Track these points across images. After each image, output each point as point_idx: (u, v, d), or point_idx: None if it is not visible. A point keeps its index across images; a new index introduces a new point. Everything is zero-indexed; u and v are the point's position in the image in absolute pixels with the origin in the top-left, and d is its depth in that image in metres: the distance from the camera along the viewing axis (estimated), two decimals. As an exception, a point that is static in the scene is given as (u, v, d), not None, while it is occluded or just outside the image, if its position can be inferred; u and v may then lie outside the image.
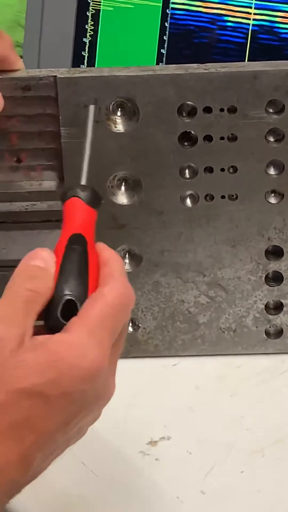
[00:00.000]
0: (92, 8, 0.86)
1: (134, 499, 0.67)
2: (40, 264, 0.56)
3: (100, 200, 0.59)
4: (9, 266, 0.73)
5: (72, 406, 0.54)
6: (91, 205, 0.58)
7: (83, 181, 0.60)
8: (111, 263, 0.57)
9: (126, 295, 0.56)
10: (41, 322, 0.55)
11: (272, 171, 0.72)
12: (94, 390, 0.54)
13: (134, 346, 0.76)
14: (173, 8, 0.84)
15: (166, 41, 0.85)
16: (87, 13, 0.86)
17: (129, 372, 0.74)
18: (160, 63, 0.85)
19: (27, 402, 0.52)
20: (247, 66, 0.69)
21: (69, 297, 0.55)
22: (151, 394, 0.74)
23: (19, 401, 0.52)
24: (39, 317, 0.55)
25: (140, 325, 0.76)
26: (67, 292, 0.55)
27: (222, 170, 0.71)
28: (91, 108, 0.67)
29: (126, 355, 0.74)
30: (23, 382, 0.52)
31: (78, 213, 0.58)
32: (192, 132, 0.70)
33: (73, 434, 0.56)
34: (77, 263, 0.56)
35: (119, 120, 0.70)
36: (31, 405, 0.52)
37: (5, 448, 0.52)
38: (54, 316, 0.54)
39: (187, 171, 0.72)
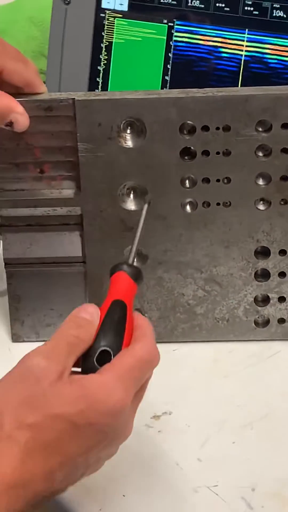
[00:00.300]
0: (105, 41, 0.85)
1: (140, 465, 0.67)
2: (87, 317, 0.58)
3: (142, 278, 0.62)
4: (33, 263, 0.75)
5: (95, 436, 0.55)
6: (134, 280, 0.61)
7: (131, 261, 0.63)
8: (145, 327, 0.59)
9: (153, 354, 0.58)
10: (79, 369, 0.57)
11: (261, 182, 0.72)
12: (115, 426, 0.55)
13: None
14: (176, 41, 0.84)
15: (170, 69, 0.84)
16: (102, 44, 0.85)
17: None
18: (164, 88, 0.84)
19: (58, 426, 0.53)
20: (240, 90, 0.69)
21: (105, 348, 0.57)
22: (155, 375, 0.71)
23: (52, 424, 0.53)
24: (77, 363, 0.57)
25: (145, 315, 0.75)
26: (104, 343, 0.57)
27: (218, 180, 0.72)
28: (145, 206, 0.68)
29: (133, 341, 0.75)
30: (58, 409, 0.53)
31: (123, 284, 0.61)
32: (192, 147, 0.70)
33: (92, 462, 0.56)
34: (116, 322, 0.58)
35: (128, 137, 0.70)
36: (61, 429, 0.53)
37: (34, 463, 0.52)
38: (91, 361, 0.57)
39: (187, 181, 0.72)
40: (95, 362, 0.57)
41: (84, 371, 0.57)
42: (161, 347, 0.75)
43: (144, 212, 0.67)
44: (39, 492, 0.53)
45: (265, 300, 0.76)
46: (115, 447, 0.58)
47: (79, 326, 0.58)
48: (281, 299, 0.76)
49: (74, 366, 0.57)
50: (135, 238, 0.65)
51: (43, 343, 0.76)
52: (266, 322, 0.77)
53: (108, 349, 0.57)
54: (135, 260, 0.73)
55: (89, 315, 0.58)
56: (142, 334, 0.59)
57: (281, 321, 0.76)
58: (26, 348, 0.76)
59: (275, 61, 0.82)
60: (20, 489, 0.52)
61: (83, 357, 0.57)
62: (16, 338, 0.77)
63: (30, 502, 0.53)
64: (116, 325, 0.58)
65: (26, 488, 0.52)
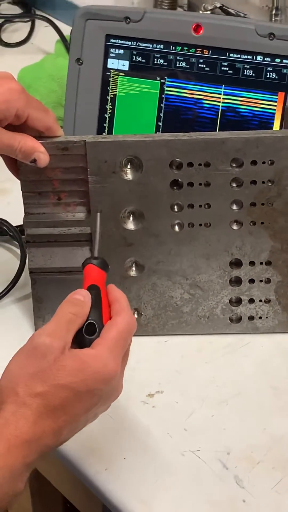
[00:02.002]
0: (110, 94, 0.85)
1: (138, 434, 0.67)
2: (80, 298, 0.58)
3: (108, 266, 0.62)
4: (52, 271, 0.74)
5: (93, 398, 0.55)
6: (102, 269, 0.62)
7: (96, 254, 0.63)
8: (121, 301, 0.59)
9: (132, 324, 0.58)
10: None
11: (234, 207, 0.71)
12: (108, 389, 0.56)
13: (138, 328, 0.72)
14: (166, 94, 0.83)
15: (162, 117, 0.84)
16: (107, 97, 0.85)
17: (134, 346, 0.72)
18: (157, 132, 0.84)
19: (63, 394, 0.53)
20: (218, 134, 0.69)
21: (90, 321, 0.57)
22: (150, 361, 0.74)
23: (58, 392, 0.53)
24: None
25: (142, 313, 0.75)
26: (88, 317, 0.58)
27: (200, 206, 0.71)
28: (98, 215, 0.67)
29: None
30: (62, 380, 0.53)
31: (93, 273, 0.61)
32: (179, 180, 0.70)
33: (90, 417, 0.57)
34: (94, 300, 0.59)
35: (129, 171, 0.70)
36: (66, 396, 0.53)
37: (44, 423, 0.53)
38: (80, 333, 0.57)
39: (175, 206, 0.72)
40: (84, 334, 0.57)
41: (76, 343, 0.57)
42: (155, 339, 0.76)
43: (98, 218, 0.67)
44: (49, 445, 0.54)
45: (238, 301, 0.76)
46: (109, 404, 0.59)
47: (75, 305, 0.57)
48: (251, 300, 0.75)
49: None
50: (96, 237, 0.65)
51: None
52: (239, 319, 0.76)
53: (92, 321, 0.57)
54: (134, 270, 0.74)
55: (82, 297, 0.58)
56: (121, 308, 0.59)
57: (251, 318, 0.76)
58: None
59: (246, 111, 0.82)
60: (34, 443, 0.52)
61: None
62: (38, 331, 0.77)
63: (41, 453, 0.54)
64: (94, 302, 0.58)
65: (39, 442, 0.53)
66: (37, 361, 0.54)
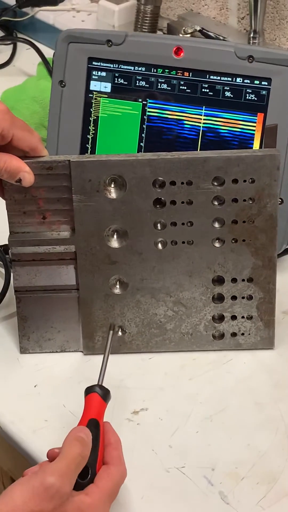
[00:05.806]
0: (93, 115, 0.85)
1: (123, 451, 0.65)
2: (85, 437, 0.59)
3: (110, 396, 0.64)
4: (37, 290, 0.74)
5: None
6: (104, 399, 0.63)
7: (101, 382, 0.65)
8: (119, 449, 0.61)
9: (124, 474, 0.60)
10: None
11: (216, 225, 0.72)
12: None
13: (122, 346, 0.76)
14: (148, 115, 0.84)
15: (144, 137, 0.84)
16: (90, 118, 0.85)
17: (119, 364, 0.74)
18: (140, 152, 0.84)
19: None
20: (199, 153, 0.70)
21: (86, 464, 0.59)
22: (134, 379, 0.74)
23: None
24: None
25: (126, 330, 0.75)
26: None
27: (183, 224, 0.72)
28: (110, 333, 0.70)
29: (116, 351, 0.74)
30: None
31: (95, 405, 0.63)
32: (162, 198, 0.71)
33: None
34: (93, 442, 0.60)
35: (112, 190, 0.71)
36: None
37: None
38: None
39: (158, 224, 0.72)
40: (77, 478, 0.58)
41: None
42: (139, 356, 0.76)
43: (110, 336, 0.70)
44: None
45: (221, 318, 0.76)
46: None
47: (83, 446, 0.58)
48: (233, 317, 0.76)
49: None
50: (104, 362, 0.66)
51: (45, 354, 0.77)
52: (222, 336, 0.76)
53: (87, 465, 0.59)
54: (118, 288, 0.74)
55: (86, 437, 0.59)
56: (118, 457, 0.60)
57: (233, 335, 0.76)
58: (31, 358, 0.76)
59: (226, 131, 0.82)
60: None
61: None
62: (23, 350, 0.76)
63: None
64: (93, 445, 0.59)
65: None
66: (42, 502, 0.55)
